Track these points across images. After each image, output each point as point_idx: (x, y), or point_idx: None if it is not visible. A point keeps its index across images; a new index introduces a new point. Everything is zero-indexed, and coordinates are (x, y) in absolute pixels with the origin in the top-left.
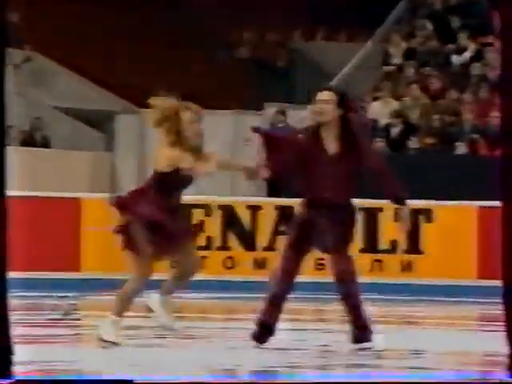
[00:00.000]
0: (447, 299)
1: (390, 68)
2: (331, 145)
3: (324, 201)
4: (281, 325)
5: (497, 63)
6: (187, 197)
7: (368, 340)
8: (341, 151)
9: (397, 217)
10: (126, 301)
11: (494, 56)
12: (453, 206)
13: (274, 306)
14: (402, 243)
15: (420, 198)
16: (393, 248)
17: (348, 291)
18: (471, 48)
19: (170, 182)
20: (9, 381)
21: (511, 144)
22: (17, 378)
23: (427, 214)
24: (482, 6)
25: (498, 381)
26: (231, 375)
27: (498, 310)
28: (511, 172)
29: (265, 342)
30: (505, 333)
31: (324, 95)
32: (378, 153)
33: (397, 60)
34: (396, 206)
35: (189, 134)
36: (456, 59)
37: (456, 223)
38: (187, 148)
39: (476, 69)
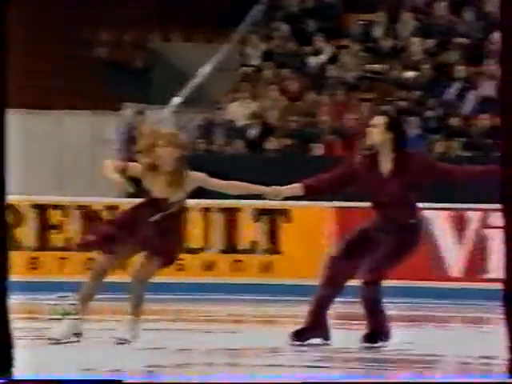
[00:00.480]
0: (306, 299)
1: (248, 69)
2: (386, 166)
3: (384, 220)
4: (144, 325)
5: (351, 66)
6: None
7: (386, 340)
8: (394, 172)
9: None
10: (85, 301)
11: (349, 59)
12: (310, 206)
13: (320, 309)
14: (262, 243)
15: None
16: (252, 248)
17: (371, 295)
18: (327, 51)
19: (149, 207)
20: (8, 381)
21: (510, 145)
22: (16, 378)
23: (285, 214)
24: (337, 9)
25: (498, 381)
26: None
27: (351, 309)
28: (511, 172)
29: (306, 340)
30: (506, 336)
31: (374, 120)
32: (440, 163)
33: (255, 61)
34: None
35: (163, 161)
36: (312, 61)
37: (314, 223)
38: (162, 176)
39: (332, 71)
